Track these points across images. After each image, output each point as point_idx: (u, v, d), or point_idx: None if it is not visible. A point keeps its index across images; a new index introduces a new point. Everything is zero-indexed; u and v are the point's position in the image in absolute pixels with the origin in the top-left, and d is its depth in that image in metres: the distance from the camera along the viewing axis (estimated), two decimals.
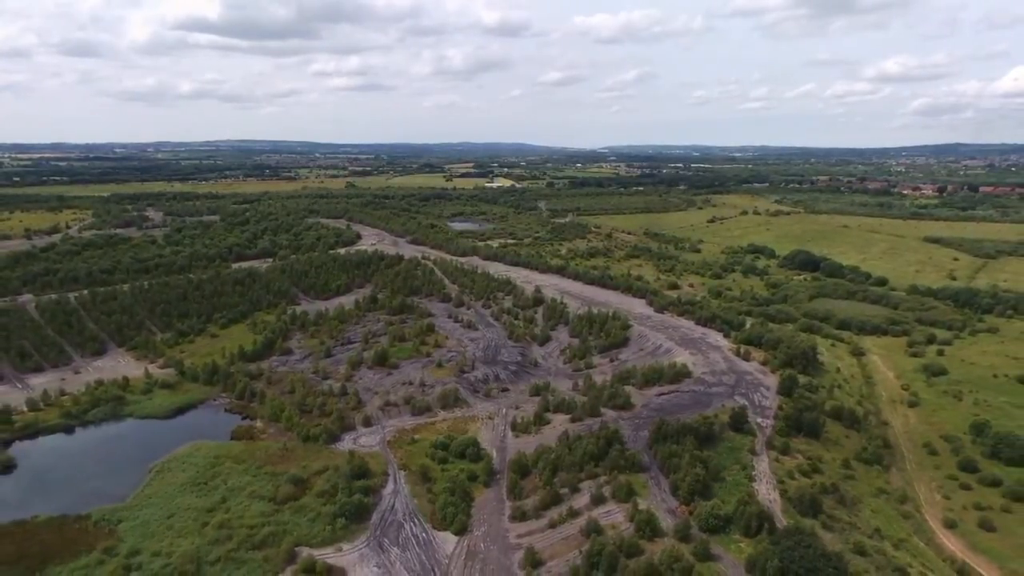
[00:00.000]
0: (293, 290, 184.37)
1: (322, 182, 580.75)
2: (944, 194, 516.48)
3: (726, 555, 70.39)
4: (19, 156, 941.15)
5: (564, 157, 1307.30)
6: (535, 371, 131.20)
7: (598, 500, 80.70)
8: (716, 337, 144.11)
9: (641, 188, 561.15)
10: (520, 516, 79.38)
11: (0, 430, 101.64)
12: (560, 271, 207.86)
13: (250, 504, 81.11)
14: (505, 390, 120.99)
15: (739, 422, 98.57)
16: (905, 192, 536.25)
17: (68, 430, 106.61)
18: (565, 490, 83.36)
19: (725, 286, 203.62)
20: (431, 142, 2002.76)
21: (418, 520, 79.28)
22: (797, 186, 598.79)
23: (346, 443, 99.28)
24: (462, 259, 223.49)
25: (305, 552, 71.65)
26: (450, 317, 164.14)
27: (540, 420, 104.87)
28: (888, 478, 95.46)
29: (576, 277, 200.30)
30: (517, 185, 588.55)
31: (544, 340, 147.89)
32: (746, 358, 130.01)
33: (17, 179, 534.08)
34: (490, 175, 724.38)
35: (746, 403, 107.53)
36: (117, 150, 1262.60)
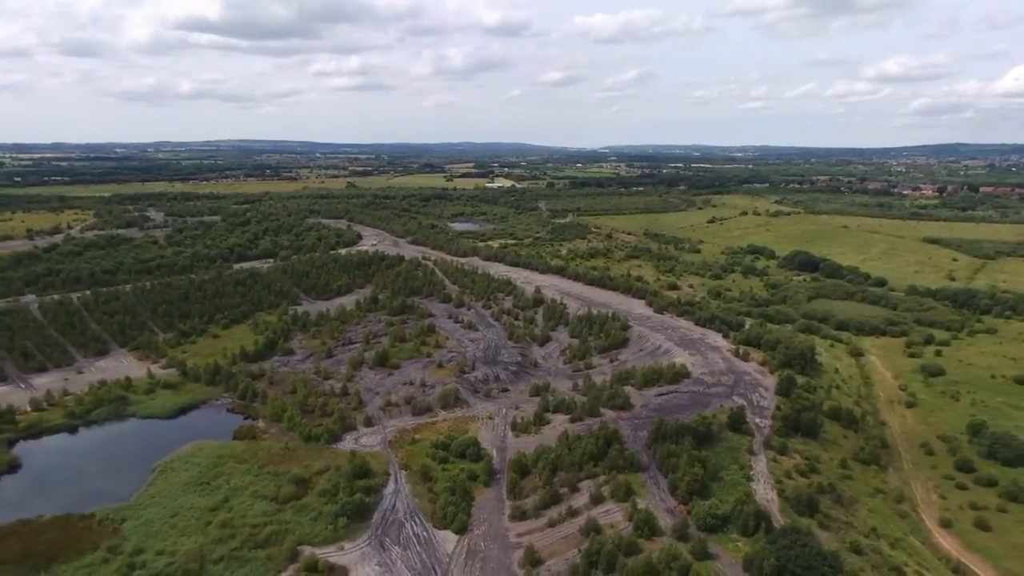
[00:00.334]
0: (294, 290, 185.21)
1: (323, 182, 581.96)
2: (944, 194, 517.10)
3: (723, 554, 71.19)
4: (19, 156, 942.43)
5: (564, 157, 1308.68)
6: (535, 371, 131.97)
7: (597, 499, 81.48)
8: (715, 338, 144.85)
9: (641, 188, 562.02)
10: (520, 515, 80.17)
11: (4, 430, 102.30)
12: (560, 272, 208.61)
13: (253, 503, 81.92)
14: (505, 390, 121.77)
15: (737, 422, 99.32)
16: (905, 192, 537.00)
17: (72, 430, 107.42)
18: (564, 490, 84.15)
19: (725, 287, 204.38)
20: (431, 142, 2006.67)
21: (419, 519, 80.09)
22: (797, 186, 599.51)
23: (347, 443, 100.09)
24: (462, 260, 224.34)
25: (307, 551, 72.46)
26: (450, 318, 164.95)
27: (540, 420, 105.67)
28: (885, 478, 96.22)
29: (576, 278, 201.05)
30: (517, 185, 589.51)
31: (544, 340, 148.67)
32: (745, 359, 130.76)
33: (18, 179, 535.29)
34: (490, 175, 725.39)
35: (744, 403, 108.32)
36: (117, 150, 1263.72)
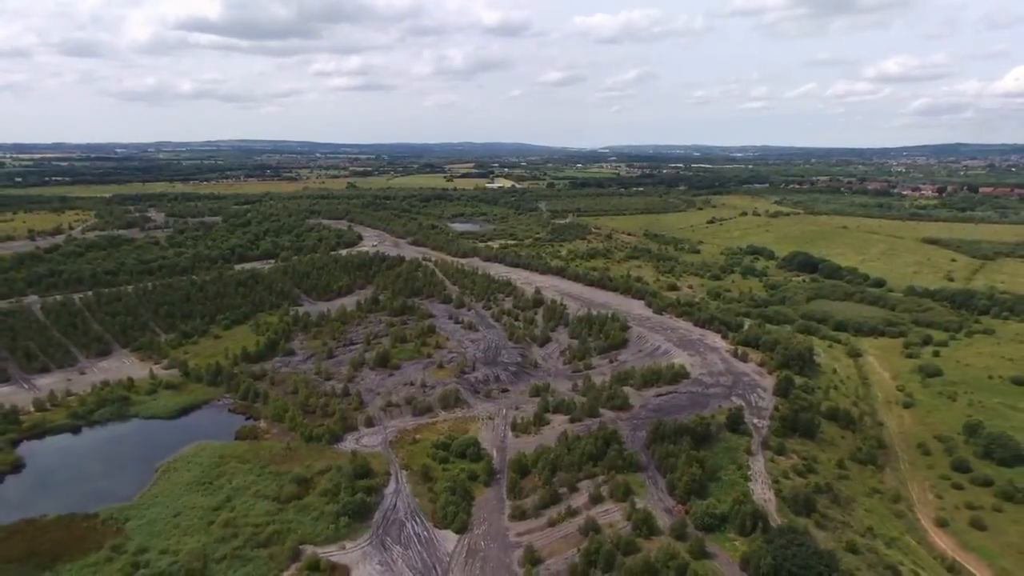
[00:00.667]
0: (295, 291, 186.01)
1: (323, 183, 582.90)
2: (944, 195, 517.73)
3: (721, 553, 71.95)
4: (20, 156, 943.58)
5: (564, 157, 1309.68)
6: (535, 372, 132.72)
7: (596, 499, 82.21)
8: (714, 338, 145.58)
9: (641, 189, 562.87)
10: (520, 515, 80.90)
11: (8, 430, 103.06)
12: (560, 272, 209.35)
13: (255, 503, 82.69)
14: (505, 391, 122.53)
15: (736, 423, 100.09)
16: (905, 193, 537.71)
17: (75, 430, 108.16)
18: (564, 489, 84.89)
19: (724, 287, 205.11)
20: (431, 142, 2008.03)
21: (419, 519, 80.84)
22: (797, 187, 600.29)
23: (349, 443, 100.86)
24: (463, 260, 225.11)
25: (309, 550, 73.22)
26: (451, 318, 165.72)
27: (540, 420, 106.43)
28: (882, 478, 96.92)
29: (576, 278, 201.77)
30: (517, 185, 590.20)
31: (544, 341, 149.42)
32: (744, 359, 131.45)
33: (19, 179, 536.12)
34: (490, 175, 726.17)
35: (743, 404, 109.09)
36: (118, 150, 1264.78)
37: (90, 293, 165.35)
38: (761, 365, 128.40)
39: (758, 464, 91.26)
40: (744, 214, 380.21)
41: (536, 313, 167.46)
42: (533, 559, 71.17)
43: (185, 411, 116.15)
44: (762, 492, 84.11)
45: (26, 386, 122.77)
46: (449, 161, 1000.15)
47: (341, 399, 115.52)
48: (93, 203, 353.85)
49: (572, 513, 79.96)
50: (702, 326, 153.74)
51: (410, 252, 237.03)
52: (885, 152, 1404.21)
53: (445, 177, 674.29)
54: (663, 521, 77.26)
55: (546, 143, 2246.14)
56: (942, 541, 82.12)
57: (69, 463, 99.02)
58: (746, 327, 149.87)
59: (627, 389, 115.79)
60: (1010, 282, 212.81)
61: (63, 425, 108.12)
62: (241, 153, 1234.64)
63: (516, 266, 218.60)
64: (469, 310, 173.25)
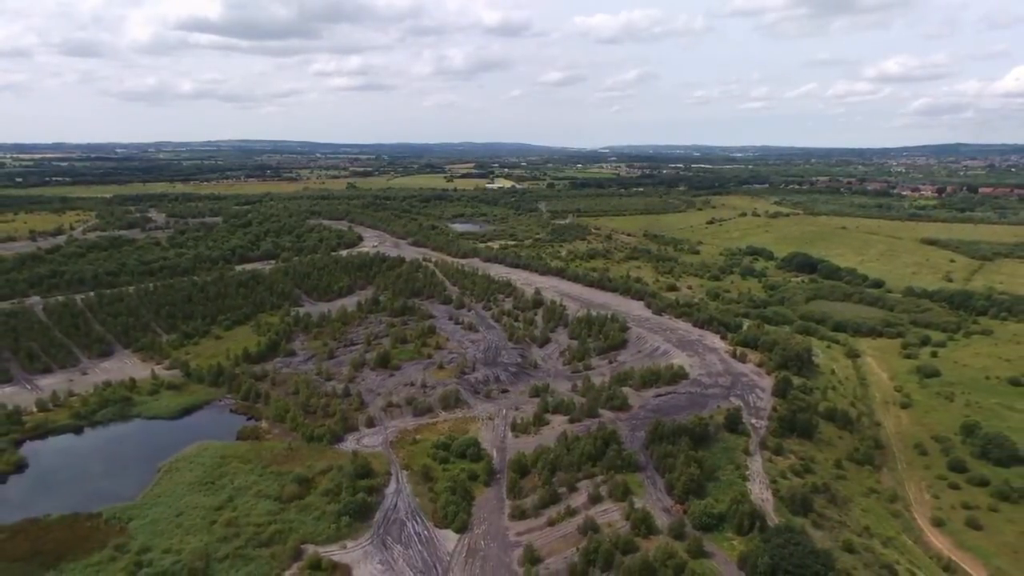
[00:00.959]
0: (296, 292, 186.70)
1: (323, 183, 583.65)
2: (943, 195, 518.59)
3: (719, 552, 72.62)
4: (20, 156, 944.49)
5: (564, 157, 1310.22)
6: (535, 372, 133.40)
7: (595, 499, 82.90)
8: (713, 339, 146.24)
9: (641, 189, 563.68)
10: (519, 515, 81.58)
11: (11, 430, 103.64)
12: (560, 273, 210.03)
13: (257, 503, 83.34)
14: (505, 391, 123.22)
15: (734, 423, 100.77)
16: (904, 193, 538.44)
17: (77, 430, 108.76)
18: (563, 489, 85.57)
19: (723, 288, 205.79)
20: (432, 142, 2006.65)
21: (420, 518, 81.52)
22: (797, 187, 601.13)
23: (349, 443, 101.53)
24: (463, 261, 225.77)
25: (311, 549, 73.88)
26: (451, 319, 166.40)
27: (539, 421, 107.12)
28: (879, 478, 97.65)
29: (576, 279, 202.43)
30: (517, 186, 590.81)
31: (544, 342, 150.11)
32: (742, 360, 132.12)
33: (20, 180, 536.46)
34: (490, 175, 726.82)
35: (741, 404, 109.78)
36: (118, 150, 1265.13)
37: (92, 294, 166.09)
38: (759, 366, 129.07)
39: (756, 464, 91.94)
40: (744, 215, 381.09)
41: (536, 314, 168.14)
42: (533, 558, 71.84)
43: (187, 411, 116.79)
44: (760, 492, 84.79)
45: (28, 386, 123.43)
46: (449, 161, 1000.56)
47: (342, 399, 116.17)
48: (94, 203, 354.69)
49: (571, 513, 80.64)
50: (701, 327, 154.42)
51: (410, 253, 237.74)
52: (885, 152, 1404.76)
53: (445, 177, 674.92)
54: (661, 521, 77.92)
55: (546, 143, 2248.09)
56: (938, 540, 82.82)
57: (72, 463, 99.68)
58: (745, 328, 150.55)
59: (626, 390, 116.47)
60: (1008, 283, 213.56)
61: (66, 425, 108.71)
62: (241, 153, 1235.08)
63: (516, 267, 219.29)
64: (469, 311, 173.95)
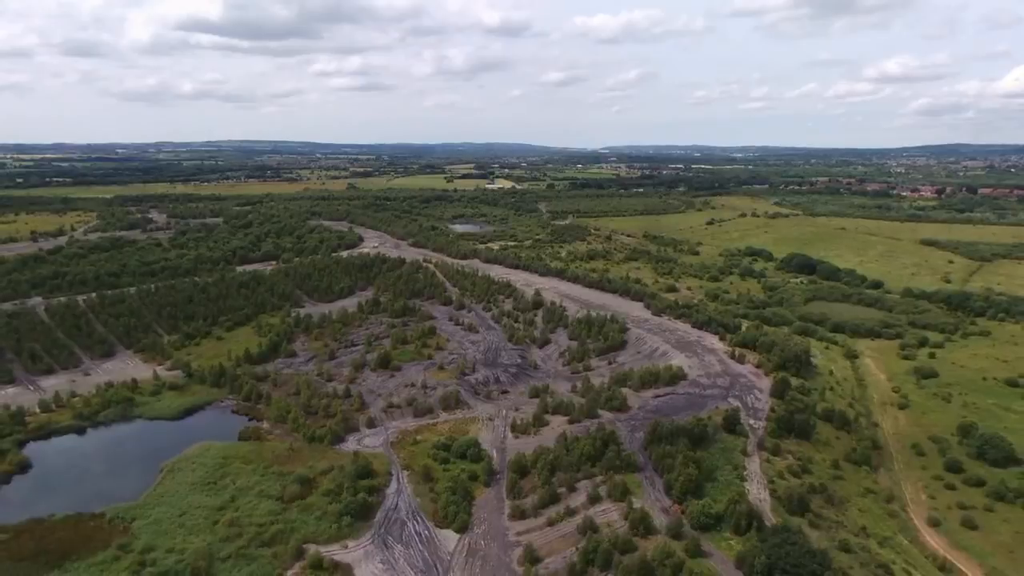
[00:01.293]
0: (297, 293, 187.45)
1: (323, 183, 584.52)
2: (943, 196, 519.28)
3: (716, 552, 73.34)
4: (21, 156, 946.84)
5: (565, 157, 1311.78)
6: (534, 373, 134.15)
7: (594, 499, 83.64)
8: (712, 340, 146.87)
9: (641, 190, 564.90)
10: (519, 515, 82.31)
11: (14, 431, 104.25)
12: (560, 274, 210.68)
13: (259, 503, 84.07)
14: (505, 392, 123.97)
15: (732, 424, 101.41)
16: (904, 194, 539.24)
17: (80, 431, 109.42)
18: (563, 489, 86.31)
19: (722, 289, 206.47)
20: (432, 142, 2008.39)
21: (420, 518, 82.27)
22: (797, 188, 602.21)
23: (350, 444, 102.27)
24: (463, 262, 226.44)
25: (312, 549, 74.59)
26: (451, 320, 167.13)
27: (539, 421, 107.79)
28: (876, 478, 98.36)
29: (575, 280, 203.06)
30: (517, 186, 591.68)
31: (543, 343, 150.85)
32: (741, 361, 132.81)
33: (20, 180, 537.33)
34: (491, 176, 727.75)
35: (739, 405, 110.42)
36: (118, 151, 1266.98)
37: (93, 295, 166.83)
38: (758, 367, 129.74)
39: (754, 464, 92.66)
40: (743, 215, 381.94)
41: (536, 315, 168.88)
42: (532, 558, 72.58)
43: (189, 412, 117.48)
44: (757, 492, 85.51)
45: (31, 387, 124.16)
46: (449, 161, 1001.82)
47: (343, 400, 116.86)
48: (95, 204, 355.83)
49: (570, 513, 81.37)
50: (700, 328, 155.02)
51: (411, 254, 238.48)
52: (885, 153, 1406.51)
53: (445, 178, 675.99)
54: (660, 521, 78.64)
55: (546, 143, 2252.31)
56: (934, 540, 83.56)
57: (75, 464, 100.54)
58: (744, 329, 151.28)
59: (625, 390, 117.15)
60: (1007, 283, 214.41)
61: (69, 426, 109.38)
62: (241, 153, 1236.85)
63: (516, 268, 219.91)
64: (469, 312, 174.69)
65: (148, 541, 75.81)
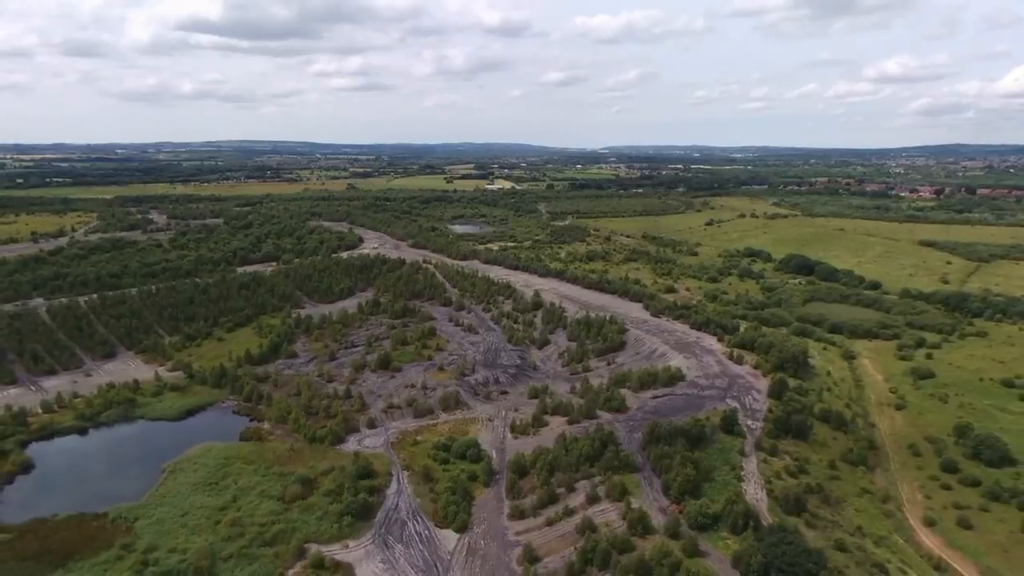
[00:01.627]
0: (297, 294, 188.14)
1: (323, 184, 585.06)
2: (941, 196, 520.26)
3: (714, 551, 74.09)
4: (21, 156, 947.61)
5: (564, 158, 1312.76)
6: (534, 374, 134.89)
7: (593, 499, 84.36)
8: (710, 341, 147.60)
9: (640, 190, 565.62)
10: (518, 514, 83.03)
11: (17, 432, 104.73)
12: (559, 275, 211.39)
13: (260, 503, 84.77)
14: (504, 393, 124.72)
15: (730, 424, 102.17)
16: (903, 195, 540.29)
17: (82, 432, 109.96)
18: (562, 490, 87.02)
19: (721, 290, 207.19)
20: (432, 142, 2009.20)
21: (421, 518, 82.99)
22: (796, 188, 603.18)
23: (351, 444, 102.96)
24: (462, 263, 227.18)
25: (314, 548, 75.29)
26: (451, 321, 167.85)
27: (538, 422, 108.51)
28: (872, 478, 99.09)
29: (575, 281, 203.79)
30: (517, 187, 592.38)
31: (543, 344, 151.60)
32: (739, 362, 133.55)
33: (20, 180, 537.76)
34: (490, 176, 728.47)
35: (737, 406, 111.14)
36: (118, 151, 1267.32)
37: (94, 296, 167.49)
38: (756, 367, 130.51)
39: (751, 465, 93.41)
40: (742, 216, 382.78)
41: (535, 316, 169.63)
42: (531, 557, 73.28)
43: (190, 413, 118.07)
44: (754, 492, 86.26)
45: (33, 388, 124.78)
46: (449, 162, 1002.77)
47: (343, 401, 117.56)
48: (95, 205, 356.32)
49: (569, 513, 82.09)
50: (698, 329, 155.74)
51: (411, 255, 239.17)
52: (884, 153, 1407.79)
53: (445, 178, 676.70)
54: (658, 520, 79.36)
55: (546, 143, 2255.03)
56: (929, 540, 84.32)
57: (77, 464, 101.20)
58: (742, 330, 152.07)
59: (624, 391, 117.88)
60: (1004, 284, 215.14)
61: (71, 427, 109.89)
62: (241, 154, 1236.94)
63: (515, 269, 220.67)
64: (469, 313, 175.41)
65: (151, 541, 76.43)
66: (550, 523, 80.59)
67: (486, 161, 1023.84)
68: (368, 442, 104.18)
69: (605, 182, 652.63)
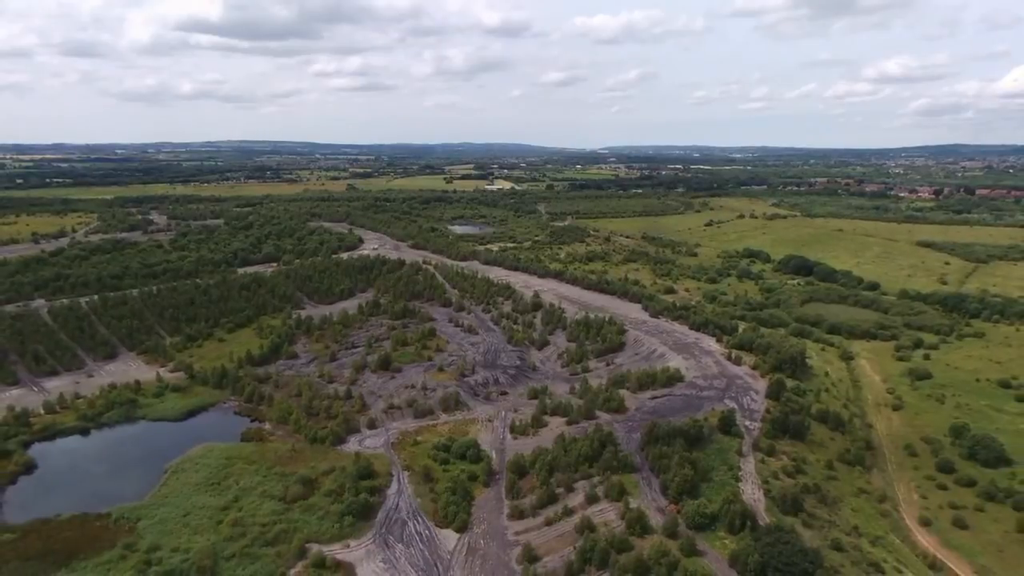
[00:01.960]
0: (298, 295, 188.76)
1: (323, 184, 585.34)
2: (940, 197, 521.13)
3: (711, 551, 74.84)
4: (20, 157, 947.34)
5: (564, 158, 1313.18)
6: (533, 375, 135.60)
7: (592, 499, 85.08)
8: (709, 342, 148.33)
9: (640, 191, 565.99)
10: (518, 514, 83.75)
11: (19, 432, 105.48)
12: (558, 276, 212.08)
13: (262, 503, 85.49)
14: (504, 393, 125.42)
15: (728, 425, 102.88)
16: (902, 195, 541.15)
17: (84, 432, 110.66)
18: (561, 490, 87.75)
19: (720, 291, 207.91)
20: (432, 143, 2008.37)
21: (421, 518, 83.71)
22: (795, 188, 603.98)
23: (352, 445, 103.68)
24: (462, 264, 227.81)
25: (315, 548, 76.02)
26: (451, 322, 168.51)
27: (538, 422, 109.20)
28: (869, 478, 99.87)
29: (574, 282, 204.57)
30: (517, 187, 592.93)
31: (542, 344, 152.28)
32: (737, 363, 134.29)
33: (20, 181, 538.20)
34: (490, 177, 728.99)
35: (735, 406, 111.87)
36: (118, 151, 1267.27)
37: (96, 297, 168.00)
38: (754, 368, 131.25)
39: (749, 465, 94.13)
40: (741, 216, 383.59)
41: (535, 316, 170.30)
42: (531, 557, 74.00)
43: (191, 413, 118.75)
44: (752, 492, 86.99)
45: (35, 389, 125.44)
46: (449, 162, 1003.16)
47: (344, 402, 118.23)
48: (95, 205, 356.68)
49: (568, 512, 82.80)
50: (697, 329, 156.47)
51: (411, 255, 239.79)
52: (884, 153, 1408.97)
53: (445, 179, 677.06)
54: (656, 520, 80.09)
55: (546, 143, 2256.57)
56: (925, 539, 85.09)
57: (80, 464, 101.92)
58: (740, 330, 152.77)
59: (623, 392, 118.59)
60: (1002, 285, 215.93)
61: (73, 427, 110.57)
62: (241, 154, 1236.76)
63: (515, 269, 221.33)
64: (469, 313, 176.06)
65: (153, 540, 77.16)
66: (549, 523, 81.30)
67: (486, 161, 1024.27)
68: (369, 442, 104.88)
69: (605, 182, 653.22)
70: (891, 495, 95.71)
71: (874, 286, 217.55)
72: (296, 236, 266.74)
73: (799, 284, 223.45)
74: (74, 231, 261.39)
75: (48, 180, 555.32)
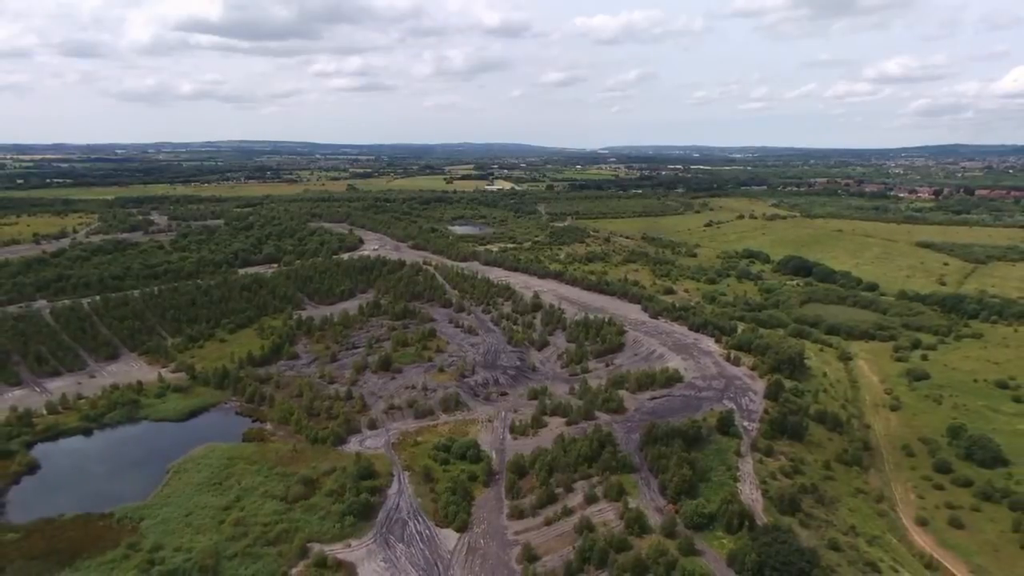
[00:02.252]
0: (298, 295, 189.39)
1: (323, 184, 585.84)
2: (940, 197, 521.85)
3: (709, 550, 75.50)
4: (20, 157, 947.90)
5: (564, 158, 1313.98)
6: (533, 375, 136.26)
7: (591, 499, 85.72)
8: (708, 343, 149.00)
9: (639, 191, 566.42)
10: (518, 514, 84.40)
11: (22, 432, 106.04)
12: (558, 276, 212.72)
13: (263, 503, 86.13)
14: (504, 394, 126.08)
15: (726, 425, 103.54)
16: (901, 195, 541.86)
17: (87, 432, 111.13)
18: (560, 490, 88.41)
19: (719, 291, 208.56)
20: (432, 143, 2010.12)
21: (421, 518, 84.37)
22: (795, 189, 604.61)
23: (352, 445, 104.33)
24: (462, 264, 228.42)
25: (316, 548, 76.68)
26: (451, 322, 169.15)
27: (537, 423, 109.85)
28: (866, 478, 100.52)
29: (574, 282, 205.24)
30: (517, 187, 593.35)
31: (542, 345, 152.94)
32: (736, 363, 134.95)
33: (20, 181, 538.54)
34: (490, 177, 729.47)
35: (734, 407, 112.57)
36: (118, 151, 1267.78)
37: (97, 297, 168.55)
38: (753, 369, 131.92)
39: (747, 465, 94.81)
40: (741, 217, 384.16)
41: (534, 317, 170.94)
42: (530, 556, 74.65)
43: (193, 414, 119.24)
44: (750, 492, 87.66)
45: (37, 389, 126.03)
46: (449, 162, 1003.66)
47: (345, 402, 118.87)
48: (96, 206, 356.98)
49: (568, 512, 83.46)
50: (696, 330, 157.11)
51: (411, 256, 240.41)
52: (884, 153, 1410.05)
53: (445, 179, 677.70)
54: (654, 520, 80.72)
55: (545, 144, 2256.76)
56: (922, 539, 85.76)
57: (82, 465, 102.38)
58: (739, 331, 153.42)
59: (622, 392, 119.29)
60: (1000, 285, 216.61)
61: (75, 428, 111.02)
62: (241, 154, 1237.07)
63: (515, 270, 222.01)
64: (469, 314, 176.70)
65: (156, 540, 77.80)
66: (549, 523, 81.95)
67: (486, 161, 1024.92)
68: (369, 443, 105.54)
69: (604, 183, 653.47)
70: (888, 495, 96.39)
71: (873, 287, 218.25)
72: (296, 237, 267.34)
73: (798, 285, 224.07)
74: (75, 232, 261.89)
75: (48, 180, 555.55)
